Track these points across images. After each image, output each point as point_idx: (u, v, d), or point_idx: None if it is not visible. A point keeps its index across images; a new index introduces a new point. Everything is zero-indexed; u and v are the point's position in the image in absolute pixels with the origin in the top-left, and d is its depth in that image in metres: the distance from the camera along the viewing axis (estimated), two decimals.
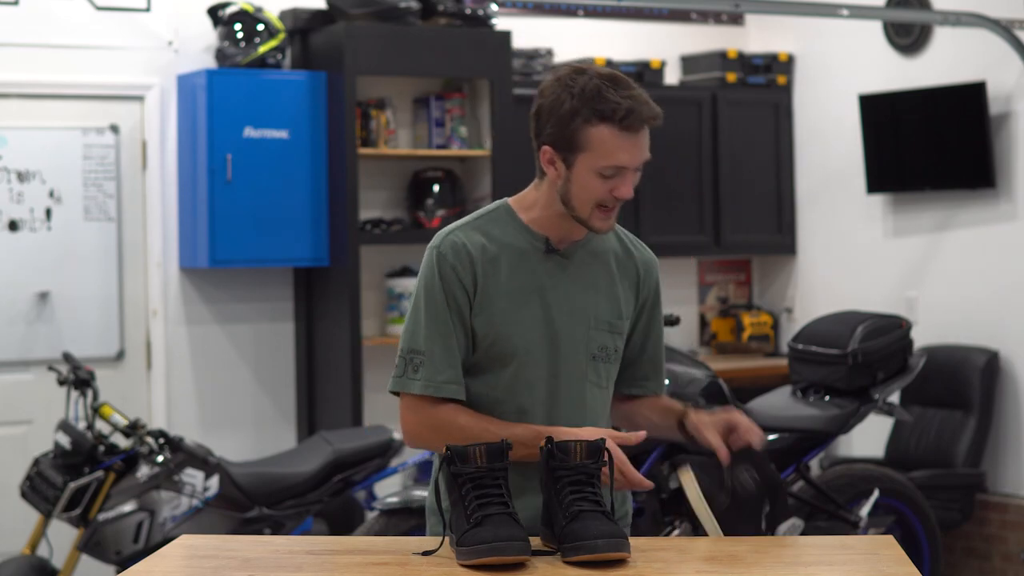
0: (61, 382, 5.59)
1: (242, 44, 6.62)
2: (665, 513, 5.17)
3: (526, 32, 7.36)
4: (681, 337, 7.80)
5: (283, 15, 6.81)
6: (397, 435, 5.81)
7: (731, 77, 7.79)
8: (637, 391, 3.05)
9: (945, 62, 7.11)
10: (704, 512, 2.87)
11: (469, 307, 2.84)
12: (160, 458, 5.46)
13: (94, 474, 5.41)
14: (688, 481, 2.91)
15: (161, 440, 5.50)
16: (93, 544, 5.42)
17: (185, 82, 6.68)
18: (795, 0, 6.76)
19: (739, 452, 2.94)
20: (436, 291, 2.83)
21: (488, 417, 2.82)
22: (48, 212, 6.56)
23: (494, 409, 2.85)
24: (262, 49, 6.62)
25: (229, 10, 6.65)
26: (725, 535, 2.91)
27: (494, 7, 7.04)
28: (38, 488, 5.46)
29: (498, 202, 2.95)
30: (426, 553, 2.64)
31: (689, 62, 7.91)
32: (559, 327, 2.86)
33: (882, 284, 7.41)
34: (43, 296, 6.55)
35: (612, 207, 2.83)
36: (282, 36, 6.67)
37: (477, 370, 2.86)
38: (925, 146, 7.12)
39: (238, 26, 6.62)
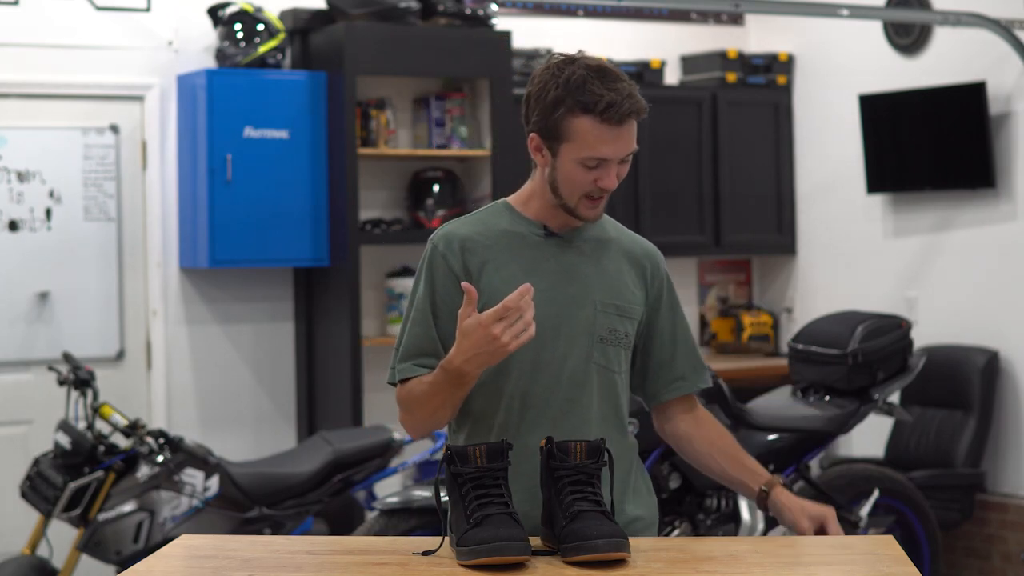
0: (61, 382, 5.59)
1: (242, 44, 6.61)
2: (665, 513, 5.17)
3: (526, 32, 7.36)
4: None
5: (283, 15, 6.81)
6: (397, 435, 5.81)
7: (731, 77, 7.79)
8: (677, 391, 3.01)
9: (945, 62, 7.11)
10: None
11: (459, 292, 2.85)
12: (160, 458, 5.46)
13: (94, 474, 5.41)
14: None
15: (161, 440, 5.50)
16: (93, 544, 5.42)
17: (185, 82, 6.68)
18: (795, 0, 6.76)
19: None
20: (421, 282, 2.88)
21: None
22: (48, 212, 6.56)
23: (498, 391, 2.84)
24: (262, 49, 6.62)
25: (229, 10, 6.65)
26: None
27: (494, 7, 7.03)
28: (38, 488, 5.46)
29: (497, 201, 2.99)
30: (426, 553, 2.64)
31: (689, 62, 7.91)
32: (561, 307, 2.85)
33: (882, 284, 7.40)
34: (43, 296, 6.55)
35: (599, 197, 2.85)
36: (282, 36, 6.67)
37: None
38: (925, 146, 7.12)
39: (238, 26, 6.62)
